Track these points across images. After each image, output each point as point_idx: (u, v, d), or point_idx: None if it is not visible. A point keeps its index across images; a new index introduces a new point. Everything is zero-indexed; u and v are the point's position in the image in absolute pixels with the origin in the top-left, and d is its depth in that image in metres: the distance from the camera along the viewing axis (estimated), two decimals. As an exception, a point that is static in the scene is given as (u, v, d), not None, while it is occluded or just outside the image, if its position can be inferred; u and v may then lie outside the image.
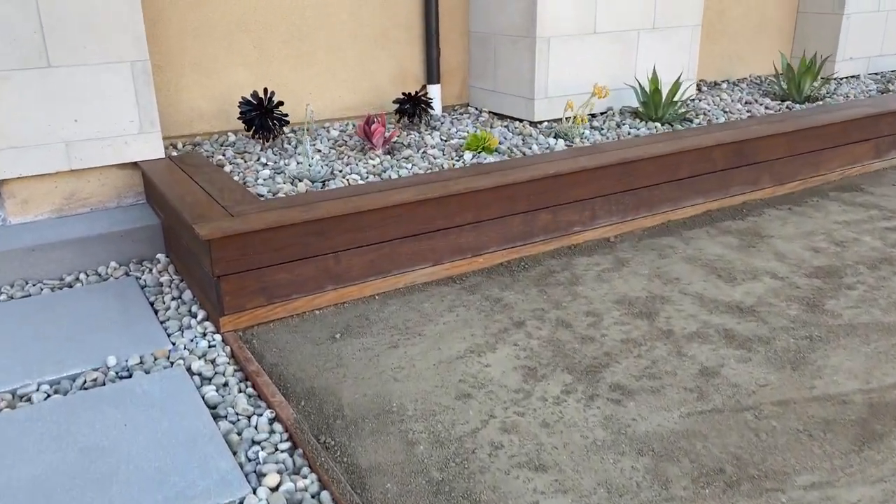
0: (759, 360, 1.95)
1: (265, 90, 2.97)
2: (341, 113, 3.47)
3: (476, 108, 3.73)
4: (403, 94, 3.34)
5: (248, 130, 2.95)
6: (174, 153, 2.93)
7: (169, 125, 3.09)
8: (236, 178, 2.64)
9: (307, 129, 2.74)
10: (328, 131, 3.29)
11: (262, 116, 2.92)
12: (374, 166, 2.81)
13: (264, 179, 2.65)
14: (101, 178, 2.80)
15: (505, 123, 3.41)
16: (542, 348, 2.02)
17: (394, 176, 2.64)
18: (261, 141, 3.02)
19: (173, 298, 2.38)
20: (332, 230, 2.23)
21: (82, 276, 2.56)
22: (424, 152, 2.99)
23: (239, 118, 2.94)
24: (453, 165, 2.75)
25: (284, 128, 2.99)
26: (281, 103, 2.99)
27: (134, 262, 2.65)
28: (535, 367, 1.93)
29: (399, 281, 2.40)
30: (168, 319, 2.24)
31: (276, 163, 2.87)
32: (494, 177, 2.49)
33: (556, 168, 2.58)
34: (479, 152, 2.92)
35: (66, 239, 2.55)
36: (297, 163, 2.78)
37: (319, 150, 3.01)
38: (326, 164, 2.76)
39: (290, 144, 3.11)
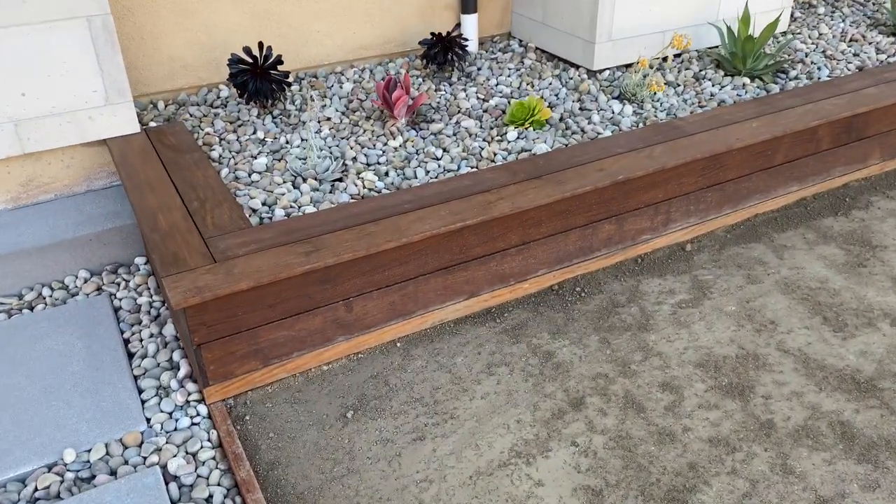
0: (891, 487, 1.52)
1: (260, 45, 2.37)
2: (356, 53, 2.85)
3: (520, 42, 3.08)
4: (432, 34, 2.71)
5: (241, 96, 2.39)
6: (153, 123, 2.39)
7: (146, 80, 2.53)
8: (225, 171, 2.13)
9: (311, 112, 2.18)
10: (340, 83, 2.70)
11: (257, 79, 2.34)
12: (395, 150, 2.26)
13: (259, 174, 2.13)
14: (65, 158, 2.30)
15: (556, 71, 2.79)
16: (609, 452, 1.59)
17: (420, 175, 2.11)
18: (258, 106, 2.46)
19: (152, 336, 1.95)
20: (342, 275, 1.75)
21: (46, 290, 2.13)
22: (457, 124, 2.42)
23: (228, 81, 2.37)
24: (493, 157, 2.20)
25: (287, 87, 2.43)
26: (280, 61, 2.40)
27: (108, 269, 2.21)
28: (600, 489, 1.51)
29: (426, 320, 1.95)
30: (144, 374, 1.83)
31: (276, 138, 2.33)
32: (548, 188, 1.95)
33: (628, 171, 2.04)
34: (525, 127, 2.35)
35: (24, 248, 2.10)
36: (301, 139, 2.24)
37: (329, 119, 2.46)
38: (335, 153, 2.22)
39: (293, 105, 2.55)
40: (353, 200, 1.98)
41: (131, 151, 2.19)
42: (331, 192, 2.05)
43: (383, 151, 2.26)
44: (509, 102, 2.55)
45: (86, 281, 2.17)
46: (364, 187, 2.06)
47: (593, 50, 2.69)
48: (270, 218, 1.91)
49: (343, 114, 2.50)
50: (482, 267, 1.95)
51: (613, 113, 2.47)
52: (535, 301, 2.05)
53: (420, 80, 2.73)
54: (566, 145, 2.27)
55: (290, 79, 2.73)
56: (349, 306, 1.80)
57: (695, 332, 1.93)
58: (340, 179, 2.10)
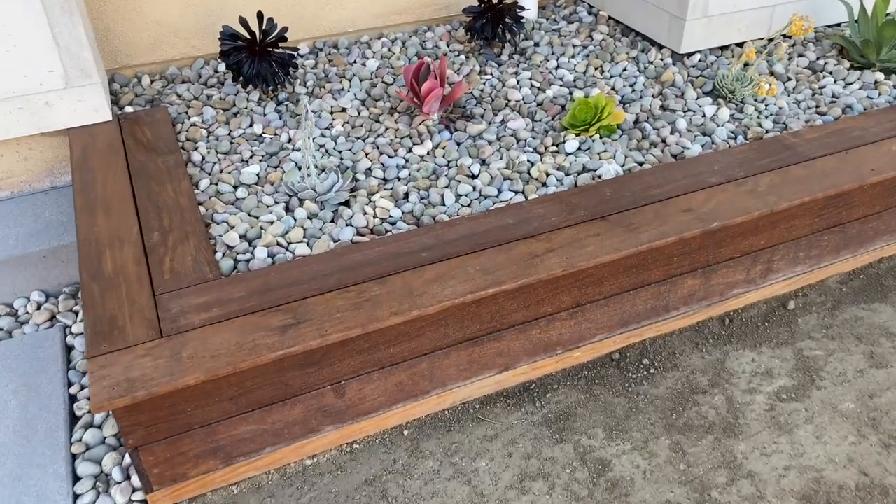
0: None
1: (259, 16, 1.88)
2: (387, 19, 2.34)
3: (590, 8, 2.52)
4: (480, 0, 2.18)
5: (235, 80, 1.93)
6: (129, 108, 1.95)
7: (128, 49, 2.08)
8: (206, 182, 1.69)
9: (304, 126, 1.71)
10: (364, 59, 2.20)
11: (254, 59, 1.87)
12: (421, 159, 1.78)
13: (247, 188, 1.68)
14: (21, 150, 1.89)
15: (633, 51, 2.23)
16: None
17: (449, 200, 1.62)
18: (259, 90, 1.99)
19: (103, 394, 1.56)
20: (331, 356, 1.32)
21: (-10, 317, 1.76)
22: (503, 124, 1.91)
23: (220, 59, 1.90)
24: (545, 178, 1.69)
25: (293, 69, 1.96)
26: (283, 36, 1.92)
27: (66, 292, 1.82)
28: None
29: (443, 401, 1.51)
30: (84, 452, 1.45)
31: (276, 135, 1.87)
32: (616, 237, 1.46)
33: (725, 215, 1.53)
34: (590, 135, 1.84)
35: (-41, 265, 1.72)
36: (309, 137, 1.79)
37: (344, 110, 1.98)
38: (345, 161, 1.75)
39: (304, 86, 2.08)
40: (357, 238, 1.52)
41: (95, 150, 1.76)
42: (332, 222, 1.60)
43: (406, 161, 1.79)
44: (571, 95, 2.02)
45: (38, 307, 1.78)
46: (375, 216, 1.60)
47: (682, 28, 2.13)
48: (249, 261, 1.47)
49: (363, 102, 2.01)
50: (520, 335, 1.49)
51: (705, 117, 1.93)
52: (588, 375, 1.59)
53: (462, 57, 2.21)
54: (641, 164, 1.75)
55: (306, 49, 2.24)
56: (340, 390, 1.37)
57: (799, 441, 1.45)
58: (347, 203, 1.65)
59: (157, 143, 1.79)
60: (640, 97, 2.03)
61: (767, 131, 1.86)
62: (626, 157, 1.78)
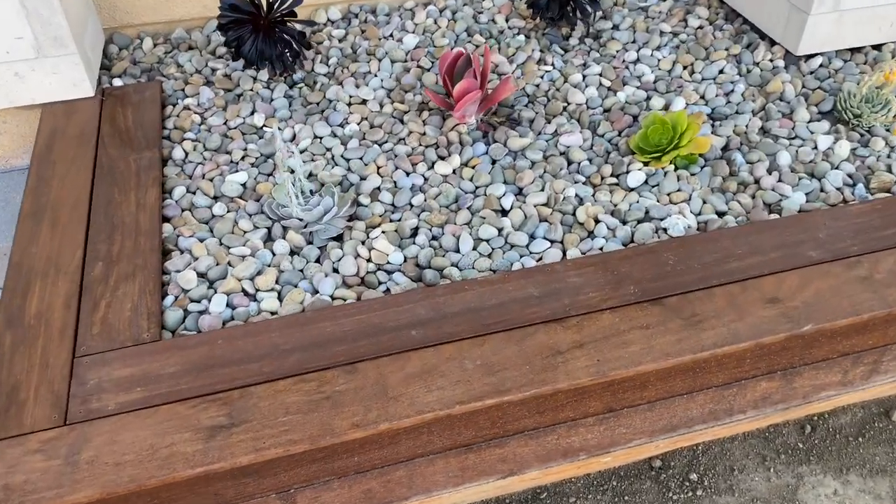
0: None
1: (265, -18, 1.54)
2: (439, -19, 1.95)
3: (689, -21, 2.05)
4: (549, -30, 1.76)
5: (235, 59, 1.60)
6: (118, 81, 1.66)
7: (131, 6, 1.78)
8: (180, 191, 1.40)
9: (279, 152, 1.39)
10: (402, 34, 1.83)
11: (259, 35, 1.54)
12: (443, 180, 1.44)
13: (227, 205, 1.39)
14: (-5, 122, 1.65)
15: (736, 47, 1.77)
16: None
17: (465, 247, 1.29)
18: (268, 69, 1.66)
19: None
20: (275, 466, 1.04)
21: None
22: (555, 138, 1.53)
23: (220, 33, 1.57)
24: (593, 225, 1.32)
25: (306, 48, 1.61)
26: (293, 12, 1.57)
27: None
28: None
29: (428, 505, 1.22)
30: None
31: (279, 129, 1.55)
32: (669, 333, 1.10)
33: (825, 313, 1.13)
34: (661, 165, 1.44)
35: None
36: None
37: (364, 103, 1.63)
38: (350, 176, 1.43)
39: (325, 63, 1.74)
40: (340, 293, 1.21)
41: (62, 136, 1.50)
42: (317, 262, 1.29)
43: (425, 181, 1.45)
44: (648, 102, 1.61)
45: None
46: (370, 260, 1.28)
47: (804, 23, 1.66)
48: (202, 313, 1.19)
49: (389, 94, 1.66)
50: (531, 441, 1.17)
51: (816, 150, 1.50)
52: (616, 487, 1.26)
53: (521, 37, 1.81)
54: (722, 215, 1.36)
55: (337, 14, 1.89)
56: (289, 499, 1.10)
57: None
58: (341, 237, 1.33)
59: (138, 131, 1.51)
60: (736, 112, 1.60)
61: (899, 180, 1.43)
62: (703, 202, 1.38)
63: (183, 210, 1.38)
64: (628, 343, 1.09)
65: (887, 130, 1.54)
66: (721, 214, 1.37)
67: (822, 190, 1.41)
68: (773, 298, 1.16)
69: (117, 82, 1.67)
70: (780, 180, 1.43)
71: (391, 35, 1.84)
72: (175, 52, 1.77)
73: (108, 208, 1.33)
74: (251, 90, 1.66)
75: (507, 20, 1.88)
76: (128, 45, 1.81)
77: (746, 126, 1.56)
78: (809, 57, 1.73)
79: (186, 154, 1.49)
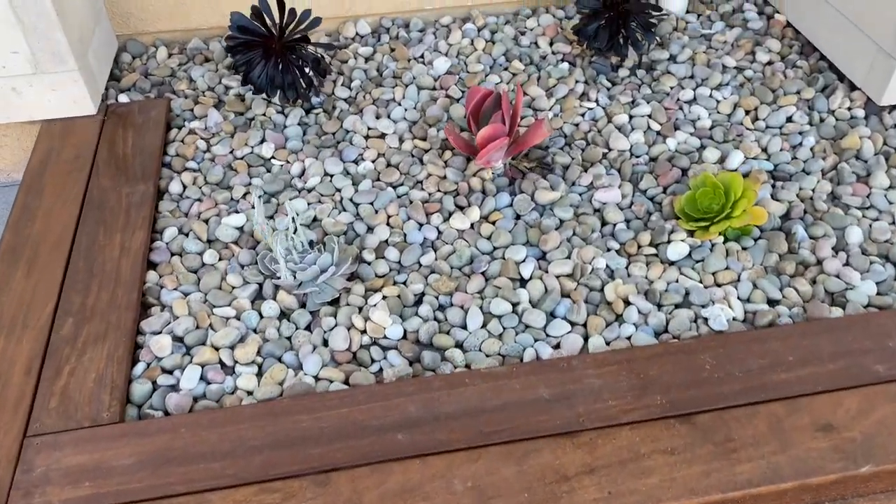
0: None
1: (280, 3, 1.39)
2: (480, -5, 1.78)
3: (762, 7, 1.82)
4: (600, -8, 1.57)
5: (244, 83, 1.47)
6: (124, 97, 1.54)
7: (144, 13, 1.66)
8: (171, 232, 1.28)
9: (261, 227, 1.23)
10: (433, 55, 1.66)
11: (271, 60, 1.40)
12: (457, 237, 1.28)
13: (219, 251, 1.26)
14: (-5, 135, 1.56)
15: (809, 91, 1.54)
16: None
17: (473, 324, 1.13)
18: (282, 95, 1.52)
19: None
20: (227, 584, 0.92)
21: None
22: (590, 192, 1.36)
23: (226, 54, 1.43)
24: (621, 307, 1.13)
25: (326, 73, 1.47)
26: (315, 24, 1.42)
27: None
28: None
29: None
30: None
31: (288, 161, 1.42)
32: (696, 469, 0.93)
33: (887, 454, 0.95)
34: (709, 235, 1.26)
35: None
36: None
37: (383, 137, 1.48)
38: (358, 225, 1.28)
39: (347, 86, 1.59)
40: (326, 374, 1.08)
41: (56, 161, 1.40)
42: (307, 330, 1.16)
43: (438, 235, 1.29)
44: (701, 153, 1.42)
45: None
46: (365, 332, 1.14)
47: (892, 70, 1.44)
48: (172, 387, 1.07)
49: (411, 127, 1.50)
50: (528, 563, 1.03)
51: (893, 224, 1.29)
52: None
53: (564, 65, 1.63)
54: (774, 304, 1.17)
55: (366, 28, 1.74)
56: None
57: None
58: (336, 301, 1.19)
59: (136, 159, 1.40)
60: (803, 171, 1.40)
61: None
62: (754, 285, 1.20)
63: (172, 254, 1.27)
64: (648, 472, 0.93)
65: (982, 206, 1.32)
66: (774, 303, 1.18)
67: (896, 279, 1.21)
68: (827, 425, 0.98)
69: (123, 98, 1.56)
70: (846, 263, 1.23)
71: (422, 56, 1.68)
72: (189, 65, 1.65)
73: (91, 251, 1.22)
74: (264, 115, 1.52)
75: (551, 44, 1.70)
76: (142, 53, 1.70)
77: (813, 190, 1.36)
78: (893, 109, 1.50)
79: (185, 187, 1.37)
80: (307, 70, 1.42)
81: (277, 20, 1.39)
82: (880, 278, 1.20)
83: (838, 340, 1.08)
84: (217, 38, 1.72)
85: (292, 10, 1.38)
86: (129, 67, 1.66)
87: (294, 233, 1.17)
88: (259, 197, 1.17)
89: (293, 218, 1.16)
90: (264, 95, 1.53)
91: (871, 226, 1.29)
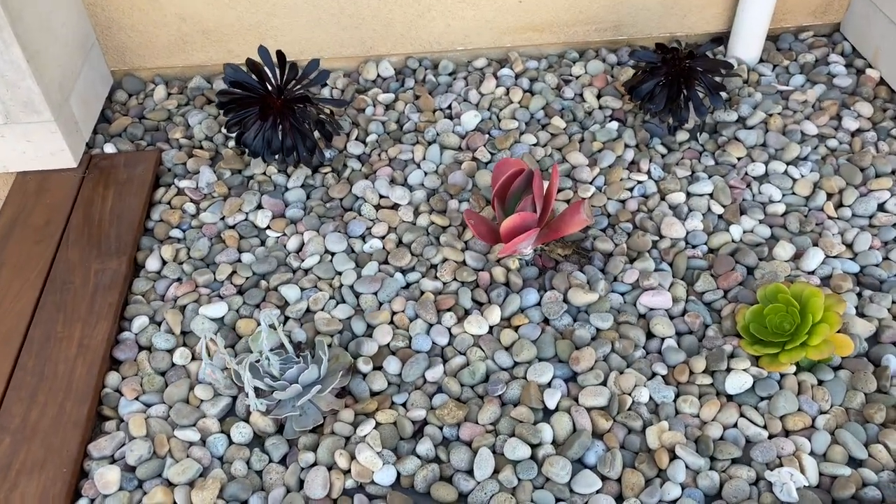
0: None
1: (280, 56, 1.19)
2: (517, 37, 1.55)
3: (849, 56, 1.56)
4: (660, 47, 1.33)
5: (237, 144, 1.28)
6: (109, 148, 1.36)
7: (142, 49, 1.48)
8: (140, 322, 1.10)
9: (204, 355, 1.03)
10: (462, 105, 1.45)
11: (268, 122, 1.20)
12: (473, 343, 1.08)
13: (192, 349, 1.08)
14: (-29, 183, 1.41)
15: (905, 163, 1.31)
16: None
17: (482, 472, 0.91)
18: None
19: None
20: None
21: None
22: (634, 293, 1.13)
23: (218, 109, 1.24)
24: (665, 461, 0.91)
25: (334, 132, 1.27)
26: (322, 79, 1.22)
27: None
28: None
29: None
30: None
31: (284, 234, 1.24)
32: None
33: None
34: (780, 364, 1.02)
35: None
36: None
37: (396, 208, 1.28)
38: (353, 324, 1.08)
39: (361, 140, 1.40)
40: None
41: (23, 225, 1.23)
42: (281, 464, 0.97)
43: (449, 340, 1.09)
44: (771, 249, 1.19)
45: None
46: (349, 473, 0.95)
47: None
48: (113, 537, 0.90)
49: (430, 198, 1.30)
50: None
51: None
52: None
53: (613, 124, 1.41)
54: (858, 465, 0.94)
55: (388, 69, 1.54)
56: None
57: None
58: (320, 429, 1.00)
59: (112, 226, 1.23)
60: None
61: None
62: (832, 437, 0.97)
63: (140, 349, 1.09)
64: None
65: None
66: (857, 463, 0.95)
67: None
68: None
69: (110, 148, 1.38)
70: (952, 408, 0.99)
71: (449, 107, 1.47)
72: (188, 108, 1.48)
73: (44, 348, 1.05)
74: (264, 174, 1.34)
75: (598, 96, 1.47)
76: (139, 91, 1.53)
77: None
78: None
79: (164, 263, 1.20)
80: (311, 131, 1.22)
81: (276, 73, 1.19)
82: None
83: (944, 535, 0.84)
84: (221, 76, 1.54)
85: (293, 65, 1.18)
86: (122, 108, 1.49)
87: (265, 357, 0.98)
88: (211, 339, 0.98)
89: (263, 341, 0.96)
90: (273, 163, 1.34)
91: (984, 359, 1.04)
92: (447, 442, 0.99)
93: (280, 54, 1.19)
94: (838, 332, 1.04)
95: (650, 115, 1.40)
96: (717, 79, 1.32)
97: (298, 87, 1.21)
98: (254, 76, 1.18)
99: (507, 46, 1.57)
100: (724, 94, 1.42)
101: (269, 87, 1.20)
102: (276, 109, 1.21)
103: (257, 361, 0.99)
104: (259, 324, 1.08)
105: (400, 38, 1.53)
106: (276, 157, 1.26)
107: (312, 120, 1.22)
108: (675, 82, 1.31)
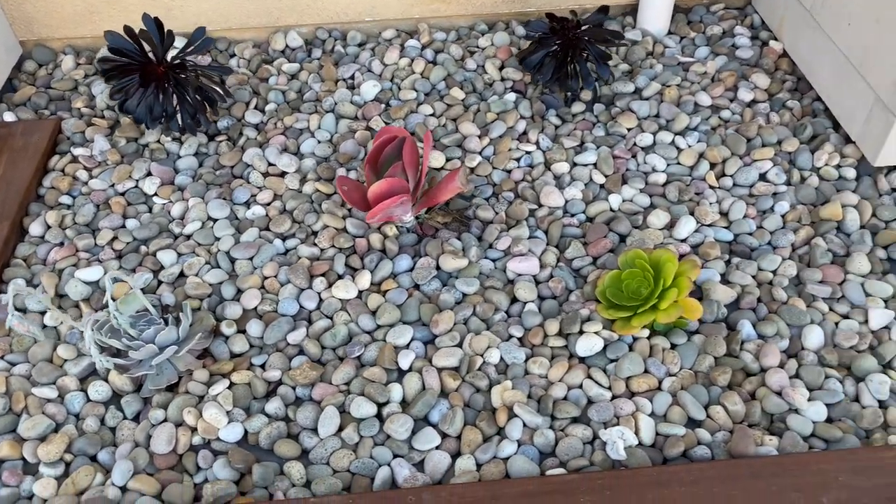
0: None
1: (158, 24, 1.20)
2: (425, 8, 1.55)
3: (758, 29, 1.56)
4: (550, 17, 1.34)
5: (121, 112, 1.29)
6: (9, 113, 1.39)
7: (48, 19, 1.50)
8: (9, 293, 1.13)
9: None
10: (364, 76, 1.46)
11: (149, 88, 1.22)
12: (340, 308, 1.09)
13: (64, 311, 1.10)
14: None
15: (792, 142, 1.30)
16: None
17: (326, 428, 0.94)
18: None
19: None
20: None
21: None
22: (505, 260, 1.15)
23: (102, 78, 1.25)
24: (504, 418, 0.93)
25: (220, 100, 1.28)
26: (207, 43, 1.23)
27: None
28: None
29: None
30: None
31: (169, 200, 1.25)
32: None
33: None
34: (631, 328, 1.04)
35: None
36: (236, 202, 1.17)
37: (283, 176, 1.29)
38: (188, 312, 1.10)
39: (261, 110, 1.41)
40: (136, 483, 0.90)
41: (-84, 189, 1.25)
42: (133, 421, 0.99)
43: (319, 304, 1.11)
44: (645, 218, 1.20)
45: None
46: (195, 431, 0.97)
47: (890, 127, 1.18)
48: (-42, 488, 0.93)
49: (318, 165, 1.31)
50: None
51: (866, 324, 1.05)
52: None
53: (511, 95, 1.42)
54: (696, 426, 0.95)
55: (296, 40, 1.55)
56: None
57: None
58: (176, 386, 1.02)
59: (0, 192, 1.25)
60: (769, 245, 1.16)
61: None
62: (673, 398, 0.98)
63: (16, 311, 1.11)
64: None
65: (982, 308, 1.07)
66: (696, 423, 0.97)
67: (856, 400, 0.98)
68: None
69: (10, 117, 1.40)
70: (796, 375, 1.00)
71: (351, 77, 1.48)
72: (94, 78, 1.49)
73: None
74: (158, 142, 1.35)
75: (501, 68, 1.48)
76: (50, 61, 1.54)
77: (774, 272, 1.12)
78: (891, 171, 1.25)
79: (45, 231, 1.22)
80: (193, 98, 1.23)
81: (156, 41, 1.20)
82: (834, 399, 0.97)
83: (758, 492, 0.86)
84: (132, 47, 1.55)
85: (170, 33, 1.19)
86: (30, 78, 1.51)
87: (112, 317, 1.00)
88: (94, 326, 0.99)
89: (108, 300, 0.98)
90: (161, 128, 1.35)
91: (837, 326, 1.05)
92: (300, 402, 1.01)
93: (158, 21, 1.20)
94: (695, 296, 1.06)
95: (542, 86, 1.40)
96: (606, 51, 1.32)
97: (182, 55, 1.22)
98: (129, 40, 1.19)
99: (415, 18, 1.57)
100: (611, 64, 1.42)
101: (145, 56, 1.21)
102: (158, 76, 1.22)
103: (106, 322, 1.01)
104: (131, 288, 1.10)
105: (307, 8, 1.53)
106: (161, 123, 1.27)
107: (193, 87, 1.23)
108: (562, 55, 1.32)
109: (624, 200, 1.23)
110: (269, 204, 1.25)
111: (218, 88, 1.29)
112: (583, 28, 1.31)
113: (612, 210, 1.22)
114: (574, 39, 1.31)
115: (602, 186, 1.26)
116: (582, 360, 1.03)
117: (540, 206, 1.23)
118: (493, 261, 1.16)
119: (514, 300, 1.11)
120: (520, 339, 1.06)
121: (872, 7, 1.19)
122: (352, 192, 1.16)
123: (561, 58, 1.31)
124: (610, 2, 1.58)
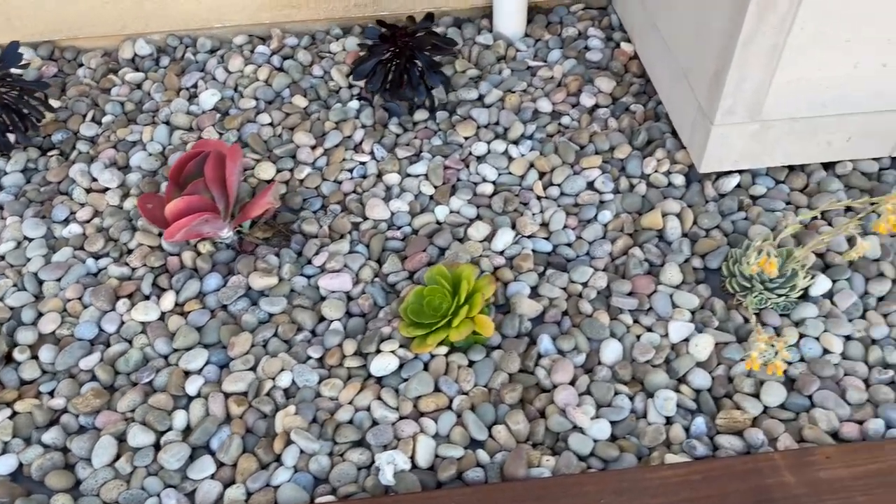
0: None
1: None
2: (276, 13, 1.51)
3: (610, 33, 1.53)
4: (381, 24, 1.30)
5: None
6: None
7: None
8: None
9: None
10: (207, 85, 1.42)
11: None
12: (140, 332, 1.06)
13: None
14: None
15: (625, 148, 1.28)
16: None
17: (97, 463, 0.91)
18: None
19: None
20: None
21: None
22: (320, 276, 1.13)
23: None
24: (281, 445, 0.91)
25: (19, 117, 1.23)
26: (17, 59, 1.20)
27: None
28: None
29: None
30: None
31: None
32: None
33: None
34: (426, 346, 1.02)
35: None
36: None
37: (105, 191, 1.26)
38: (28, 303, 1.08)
39: (97, 122, 1.38)
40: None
41: None
42: None
43: (120, 327, 1.08)
44: (466, 229, 1.18)
45: None
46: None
47: (708, 133, 1.16)
48: None
49: (144, 178, 1.28)
50: None
51: (666, 337, 1.04)
52: None
53: (354, 104, 1.39)
54: (479, 445, 0.94)
55: (145, 48, 1.51)
56: None
57: None
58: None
59: None
60: (587, 255, 1.15)
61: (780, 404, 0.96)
62: (458, 418, 0.97)
63: None
64: None
65: (783, 316, 1.06)
66: (479, 444, 0.95)
67: (644, 417, 0.97)
68: None
69: None
70: (587, 391, 0.99)
71: (194, 86, 1.44)
72: None
73: None
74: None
75: (348, 75, 1.45)
76: None
77: (585, 284, 1.11)
78: (723, 175, 1.23)
79: None
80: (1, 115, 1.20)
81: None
82: (619, 417, 0.96)
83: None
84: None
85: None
86: None
87: None
88: None
89: None
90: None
91: (637, 339, 1.04)
92: (84, 430, 0.98)
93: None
94: (503, 310, 1.04)
95: (377, 95, 1.38)
96: (434, 58, 1.30)
97: (-9, 69, 1.18)
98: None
99: (266, 23, 1.54)
100: (460, 69, 1.40)
101: (-44, 71, 1.18)
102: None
103: None
104: (-73, 312, 1.07)
105: (152, 15, 1.50)
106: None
107: (0, 105, 1.20)
108: (397, 61, 1.29)
109: (451, 212, 1.21)
110: (87, 221, 1.22)
111: (38, 105, 1.25)
112: (416, 35, 1.28)
113: (437, 222, 1.20)
114: (404, 47, 1.28)
115: (431, 198, 1.24)
116: (379, 380, 1.02)
117: (365, 218, 1.21)
118: (308, 277, 1.14)
119: (321, 319, 1.09)
120: (319, 360, 1.04)
121: (693, 12, 1.18)
122: (156, 210, 1.13)
123: (391, 66, 1.29)
124: (465, 5, 1.55)
